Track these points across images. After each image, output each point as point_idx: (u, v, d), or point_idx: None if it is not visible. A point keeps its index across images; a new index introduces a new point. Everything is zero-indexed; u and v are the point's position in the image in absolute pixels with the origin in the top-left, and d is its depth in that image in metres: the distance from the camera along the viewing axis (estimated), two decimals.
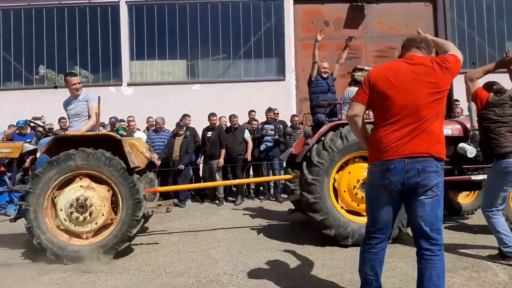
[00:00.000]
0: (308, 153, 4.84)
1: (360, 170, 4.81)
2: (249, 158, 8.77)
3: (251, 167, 9.16)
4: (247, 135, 8.84)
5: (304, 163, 4.84)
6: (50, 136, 5.14)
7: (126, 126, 9.23)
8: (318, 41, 6.06)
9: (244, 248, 4.78)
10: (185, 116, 9.24)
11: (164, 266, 4.19)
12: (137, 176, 4.61)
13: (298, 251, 4.53)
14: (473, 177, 5.14)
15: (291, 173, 6.04)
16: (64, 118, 9.35)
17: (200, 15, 12.11)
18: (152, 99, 11.55)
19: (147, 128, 9.68)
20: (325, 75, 6.12)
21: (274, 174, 8.66)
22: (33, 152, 5.08)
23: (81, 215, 4.35)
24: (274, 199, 8.68)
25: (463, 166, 5.23)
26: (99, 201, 4.43)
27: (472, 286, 3.30)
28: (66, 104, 5.27)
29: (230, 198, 8.80)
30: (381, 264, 2.71)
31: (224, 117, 9.38)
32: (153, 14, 12.10)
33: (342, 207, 4.83)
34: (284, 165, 7.96)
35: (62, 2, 11.98)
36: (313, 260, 4.15)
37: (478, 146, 4.98)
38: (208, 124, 8.77)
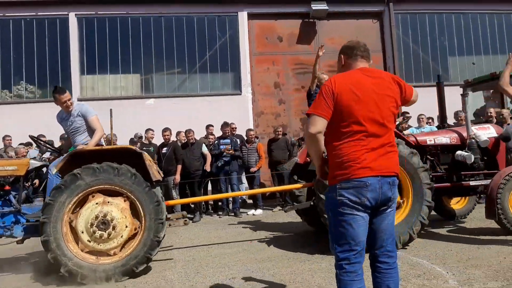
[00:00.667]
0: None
1: None
2: (208, 169, 8.67)
3: (209, 182, 9.06)
4: (204, 149, 8.76)
5: None
6: (56, 151, 5.14)
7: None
8: (319, 56, 6.29)
9: (202, 267, 4.69)
10: (148, 131, 9.05)
11: None
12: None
13: (255, 266, 4.51)
14: (472, 183, 5.50)
15: (300, 182, 5.94)
16: (9, 136, 8.89)
17: (153, 28, 11.96)
18: (104, 115, 11.15)
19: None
20: None
21: (232, 189, 8.62)
22: (39, 168, 4.91)
23: (105, 231, 4.25)
24: (233, 214, 8.62)
25: (462, 173, 5.60)
26: (119, 213, 4.33)
27: None
28: (61, 120, 5.18)
29: (188, 215, 8.61)
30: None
31: (182, 131, 9.26)
32: (105, 27, 11.79)
33: None
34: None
35: (7, 15, 11.39)
36: (271, 276, 4.14)
37: (475, 153, 5.38)
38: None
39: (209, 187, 9.39)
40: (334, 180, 2.40)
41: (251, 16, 12.37)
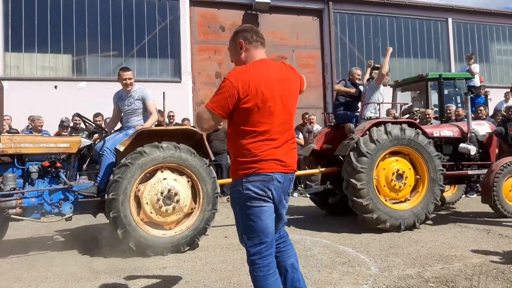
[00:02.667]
0: (356, 145, 5.42)
1: (391, 165, 5.65)
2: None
3: None
4: None
5: (352, 153, 5.44)
6: (101, 131, 5.33)
7: None
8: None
9: (134, 258, 4.54)
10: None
11: None
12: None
13: (187, 256, 4.47)
14: (470, 172, 6.30)
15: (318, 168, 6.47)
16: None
17: (88, 7, 11.27)
18: (30, 96, 10.38)
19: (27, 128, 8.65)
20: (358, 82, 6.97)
21: None
22: (90, 147, 4.94)
23: (170, 205, 4.54)
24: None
25: (463, 163, 6.34)
26: (184, 191, 4.65)
27: (347, 280, 3.60)
28: (119, 98, 5.29)
29: None
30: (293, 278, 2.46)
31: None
32: (33, 2, 10.89)
33: (386, 200, 5.59)
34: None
35: None
36: (202, 265, 4.13)
37: (475, 145, 6.17)
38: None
39: None
40: (239, 174, 2.31)
41: (193, 3, 12.12)
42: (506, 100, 10.56)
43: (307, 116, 10.34)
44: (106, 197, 4.42)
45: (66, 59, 11.29)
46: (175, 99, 11.17)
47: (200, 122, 2.35)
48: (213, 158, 5.06)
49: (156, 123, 5.39)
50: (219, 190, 4.90)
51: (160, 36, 11.84)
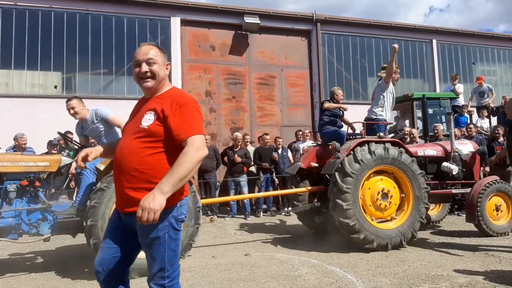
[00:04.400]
0: (341, 165, 5.47)
1: (376, 184, 5.75)
2: None
3: None
4: None
5: (337, 173, 5.49)
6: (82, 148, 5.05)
7: None
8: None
9: None
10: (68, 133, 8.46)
11: None
12: None
13: None
14: (454, 191, 6.40)
15: (305, 186, 6.54)
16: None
17: (79, 25, 11.34)
18: (19, 113, 10.32)
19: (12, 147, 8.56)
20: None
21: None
22: (71, 166, 4.88)
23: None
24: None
25: (447, 182, 6.46)
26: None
27: None
28: (81, 128, 5.22)
29: None
30: None
31: None
32: (24, 19, 10.93)
33: (372, 219, 5.66)
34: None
35: None
36: (189, 286, 4.10)
37: (457, 165, 6.26)
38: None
39: None
40: (174, 200, 2.14)
41: (184, 23, 12.27)
42: (482, 117, 10.94)
43: (300, 133, 10.43)
44: (84, 223, 4.33)
45: (56, 76, 11.29)
46: None
47: (197, 151, 2.07)
48: (195, 177, 5.10)
49: None
50: (200, 204, 4.85)
51: None
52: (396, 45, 6.60)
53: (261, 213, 9.56)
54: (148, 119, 2.16)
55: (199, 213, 4.79)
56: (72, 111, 5.00)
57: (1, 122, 9.69)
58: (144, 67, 2.22)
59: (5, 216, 4.33)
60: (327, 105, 6.80)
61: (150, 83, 2.23)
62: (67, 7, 11.19)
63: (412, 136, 8.24)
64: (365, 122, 6.43)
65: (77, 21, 11.34)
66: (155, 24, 12.07)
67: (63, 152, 4.99)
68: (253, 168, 9.87)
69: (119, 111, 11.78)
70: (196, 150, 2.06)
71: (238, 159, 9.28)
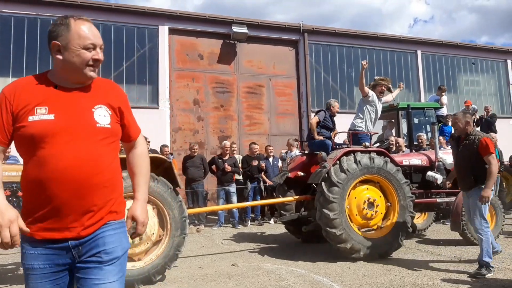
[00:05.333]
0: (327, 175, 5.47)
1: (362, 193, 5.76)
2: None
3: None
4: None
5: (323, 183, 5.49)
6: None
7: None
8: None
9: None
10: None
11: None
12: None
13: None
14: (438, 200, 6.50)
15: (292, 196, 6.55)
16: None
17: None
18: None
19: None
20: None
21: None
22: None
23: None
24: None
25: (432, 191, 6.51)
26: (150, 219, 4.21)
27: None
28: None
29: None
30: None
31: None
32: (10, 26, 10.80)
33: (358, 229, 5.68)
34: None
35: None
36: None
37: (442, 174, 6.32)
38: None
39: None
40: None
41: (172, 31, 12.28)
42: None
43: (289, 141, 10.42)
44: None
45: None
46: (153, 126, 11.17)
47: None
48: (182, 186, 5.07)
49: None
50: (186, 213, 4.82)
51: (139, 62, 11.90)
52: (364, 62, 6.56)
53: (249, 222, 9.52)
54: (104, 116, 1.76)
55: (185, 222, 4.76)
56: None
57: None
58: (101, 54, 1.78)
59: None
60: (312, 121, 6.99)
61: (95, 73, 1.78)
62: (53, 14, 11.09)
63: (398, 145, 8.34)
64: (350, 131, 6.50)
65: None
66: (143, 33, 12.05)
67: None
68: (240, 177, 9.84)
69: None
70: (147, 149, 2.00)
71: (229, 168, 9.26)
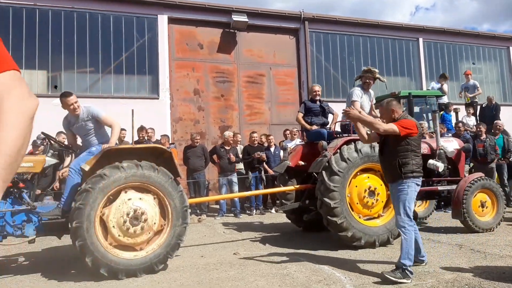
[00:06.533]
0: (328, 164, 5.45)
1: (363, 181, 5.72)
2: None
3: None
4: None
5: (324, 172, 5.48)
6: (67, 149, 5.13)
7: None
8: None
9: (110, 281, 4.46)
10: (59, 133, 8.25)
11: None
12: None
13: (162, 277, 4.41)
14: (440, 188, 6.50)
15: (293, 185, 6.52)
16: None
17: (64, 22, 11.17)
18: None
19: None
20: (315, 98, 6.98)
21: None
22: (56, 166, 4.80)
23: (138, 226, 4.41)
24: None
25: (433, 179, 6.50)
26: (151, 209, 4.53)
27: None
28: (69, 123, 5.14)
29: None
30: None
31: None
32: (8, 17, 10.73)
33: (360, 217, 5.66)
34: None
35: None
36: (177, 286, 4.08)
37: (443, 162, 6.25)
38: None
39: None
40: None
41: (171, 21, 12.18)
42: (468, 115, 11.11)
43: (287, 132, 10.43)
44: (69, 225, 4.28)
45: (41, 75, 11.11)
46: (153, 116, 11.15)
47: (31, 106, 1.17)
48: (182, 176, 5.04)
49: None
50: (187, 203, 4.83)
51: (138, 53, 11.83)
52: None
53: (254, 211, 9.55)
54: None
55: (186, 212, 4.77)
56: (73, 106, 4.96)
57: None
58: None
59: None
60: (299, 117, 6.91)
61: None
62: (52, 4, 11.02)
63: None
64: (350, 121, 6.45)
65: (63, 18, 11.18)
66: (142, 22, 11.95)
67: (47, 153, 4.90)
68: (241, 166, 9.86)
69: (105, 110, 11.74)
70: (21, 98, 1.12)
71: (234, 158, 9.28)
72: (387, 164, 4.36)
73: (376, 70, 6.55)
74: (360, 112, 5.40)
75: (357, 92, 6.39)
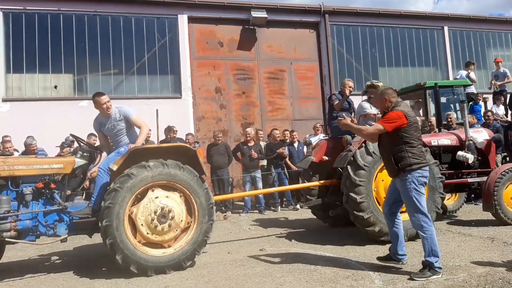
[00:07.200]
0: (352, 158, 5.40)
1: None
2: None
3: None
4: None
5: (349, 167, 5.43)
6: (95, 150, 5.30)
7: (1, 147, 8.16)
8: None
9: (135, 277, 4.55)
10: (90, 135, 8.44)
11: None
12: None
13: (190, 273, 4.46)
14: (469, 180, 6.35)
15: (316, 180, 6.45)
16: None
17: (88, 26, 11.42)
18: (33, 117, 10.47)
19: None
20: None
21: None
22: (85, 166, 4.93)
23: (166, 223, 4.51)
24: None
25: (463, 171, 6.36)
26: (178, 207, 4.63)
27: None
28: (100, 125, 5.24)
29: None
30: None
31: None
32: (34, 23, 11.06)
33: None
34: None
35: None
36: (205, 283, 4.12)
37: (473, 153, 6.15)
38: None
39: None
40: None
41: (191, 20, 12.27)
42: (498, 104, 10.71)
43: (318, 125, 10.32)
44: (99, 224, 4.38)
45: (67, 78, 11.41)
46: (176, 115, 11.29)
47: None
48: (207, 174, 5.12)
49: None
50: (213, 200, 4.87)
51: (160, 53, 11.98)
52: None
53: (279, 207, 9.54)
54: None
55: (212, 209, 4.81)
56: (106, 105, 5.06)
57: (15, 125, 9.84)
58: None
59: (22, 218, 4.39)
60: (336, 104, 6.72)
61: None
62: (75, 9, 11.28)
63: (430, 124, 8.18)
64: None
65: (86, 22, 11.43)
66: (162, 23, 12.10)
67: (77, 154, 5.03)
68: (265, 163, 9.86)
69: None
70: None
71: (255, 155, 9.31)
72: (385, 161, 4.28)
73: (380, 84, 6.42)
74: (352, 120, 5.67)
75: (366, 105, 6.54)
